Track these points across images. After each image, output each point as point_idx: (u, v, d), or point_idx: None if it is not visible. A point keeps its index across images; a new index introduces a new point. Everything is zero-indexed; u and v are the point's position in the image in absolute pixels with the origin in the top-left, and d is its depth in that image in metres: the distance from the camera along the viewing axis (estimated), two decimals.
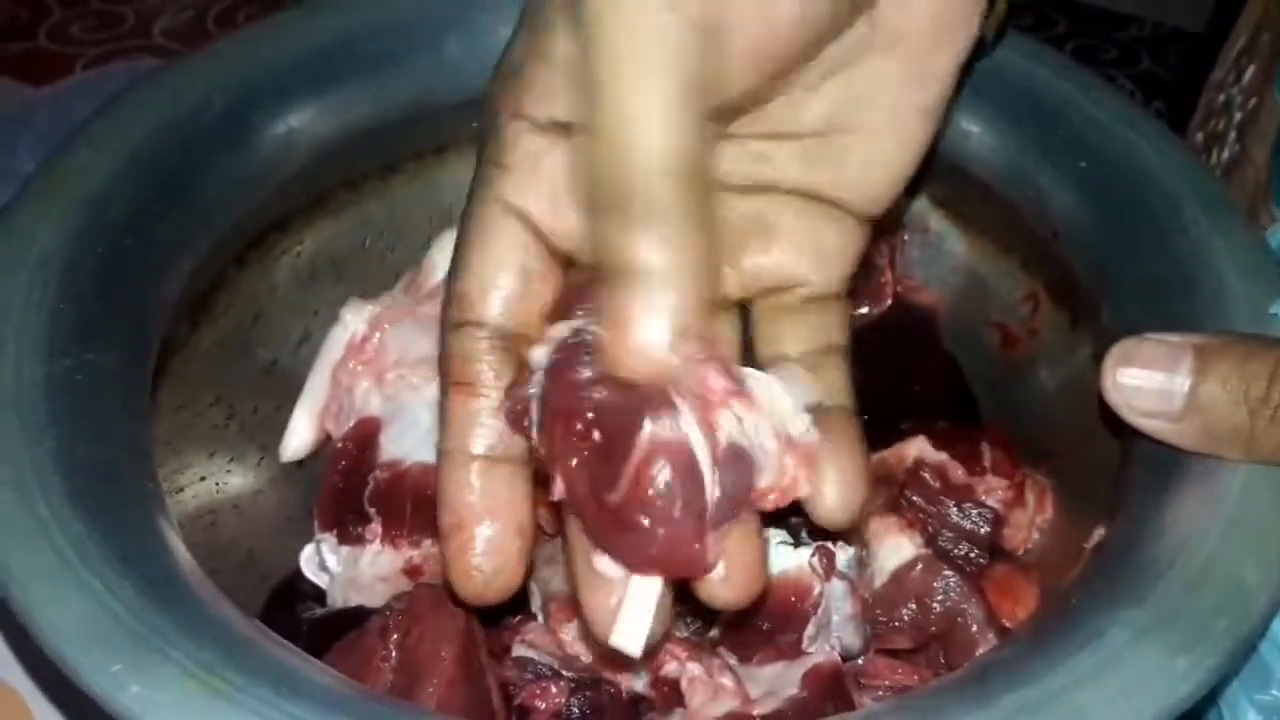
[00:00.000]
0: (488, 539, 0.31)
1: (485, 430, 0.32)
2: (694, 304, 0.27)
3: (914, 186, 0.39)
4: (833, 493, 0.32)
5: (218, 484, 0.41)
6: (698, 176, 0.28)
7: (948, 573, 0.36)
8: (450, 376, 0.32)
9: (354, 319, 0.43)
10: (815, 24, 0.31)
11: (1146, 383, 0.32)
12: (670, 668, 0.35)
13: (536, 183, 0.31)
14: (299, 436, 0.43)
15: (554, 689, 0.35)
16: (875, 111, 0.34)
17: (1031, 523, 0.41)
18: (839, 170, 0.34)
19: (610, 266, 0.27)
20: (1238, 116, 0.49)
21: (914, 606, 0.36)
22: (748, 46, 0.30)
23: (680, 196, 0.27)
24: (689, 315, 0.27)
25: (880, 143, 0.34)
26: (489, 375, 0.32)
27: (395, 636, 0.34)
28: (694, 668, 0.34)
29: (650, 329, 0.27)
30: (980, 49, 0.40)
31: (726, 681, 0.35)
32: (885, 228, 0.39)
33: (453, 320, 0.32)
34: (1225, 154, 0.49)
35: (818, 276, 0.35)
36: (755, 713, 0.33)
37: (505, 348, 0.32)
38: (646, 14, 0.27)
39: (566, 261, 0.33)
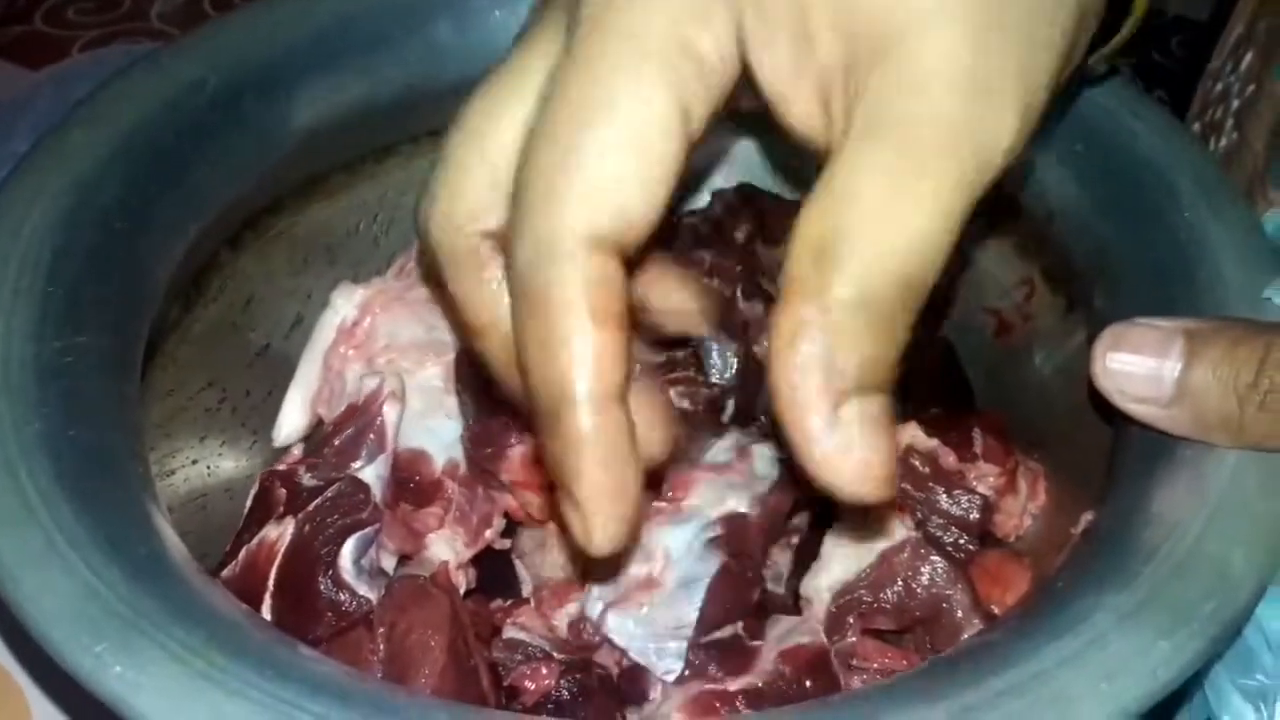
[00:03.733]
0: None
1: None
2: None
3: None
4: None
5: (209, 468, 0.41)
6: None
7: (935, 558, 0.36)
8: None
9: (344, 303, 0.43)
10: None
11: (1136, 368, 0.32)
12: None
13: None
14: (291, 421, 0.43)
15: (544, 670, 0.35)
16: None
17: (1024, 509, 0.41)
18: None
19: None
20: (1235, 104, 0.49)
21: (899, 589, 0.36)
22: None
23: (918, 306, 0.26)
24: None
25: None
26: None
27: (382, 629, 0.34)
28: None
29: (882, 459, 0.26)
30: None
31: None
32: None
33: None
34: (1223, 142, 0.49)
35: None
36: (730, 688, 0.33)
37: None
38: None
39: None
